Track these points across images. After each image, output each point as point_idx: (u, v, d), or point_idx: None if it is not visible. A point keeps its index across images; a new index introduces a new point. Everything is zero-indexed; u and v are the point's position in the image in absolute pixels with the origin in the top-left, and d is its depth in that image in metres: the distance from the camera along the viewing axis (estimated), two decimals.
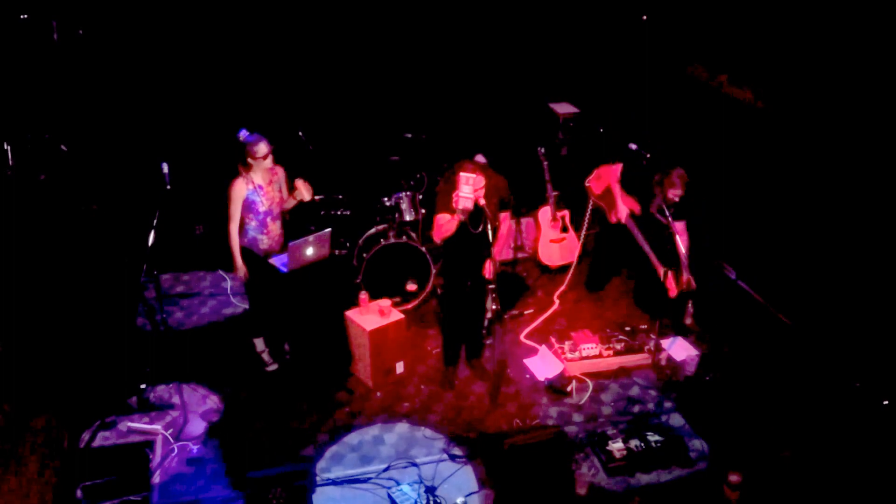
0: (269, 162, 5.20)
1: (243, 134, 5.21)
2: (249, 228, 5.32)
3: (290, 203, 5.49)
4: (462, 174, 4.79)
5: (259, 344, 5.79)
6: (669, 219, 5.52)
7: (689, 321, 6.17)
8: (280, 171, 5.40)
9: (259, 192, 5.24)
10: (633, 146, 6.54)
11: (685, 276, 5.76)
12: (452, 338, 5.67)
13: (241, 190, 5.19)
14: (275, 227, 5.40)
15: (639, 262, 6.26)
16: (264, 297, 5.61)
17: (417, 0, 7.77)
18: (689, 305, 6.13)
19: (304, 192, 5.38)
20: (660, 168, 5.75)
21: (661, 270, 5.82)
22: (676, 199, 5.64)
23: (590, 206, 6.54)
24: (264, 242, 5.39)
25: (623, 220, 6.04)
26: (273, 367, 5.77)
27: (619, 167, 6.14)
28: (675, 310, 6.11)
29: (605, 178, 6.27)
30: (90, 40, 7.21)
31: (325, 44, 7.71)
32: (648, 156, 6.40)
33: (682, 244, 5.57)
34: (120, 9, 7.15)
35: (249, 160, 5.16)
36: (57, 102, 7.07)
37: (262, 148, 5.14)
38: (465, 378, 5.75)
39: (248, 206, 5.25)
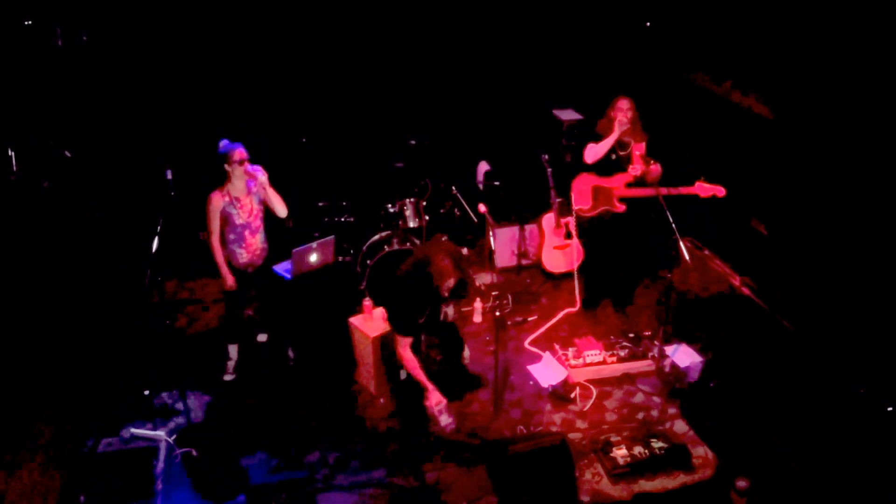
0: (244, 168, 5.19)
1: (222, 143, 5.26)
2: (228, 241, 5.34)
3: (275, 202, 5.34)
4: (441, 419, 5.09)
5: (232, 351, 5.78)
6: (673, 225, 5.52)
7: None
8: (260, 174, 5.25)
9: (235, 204, 5.26)
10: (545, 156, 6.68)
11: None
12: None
13: (217, 203, 5.23)
14: (254, 241, 5.39)
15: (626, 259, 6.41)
16: (240, 307, 5.66)
17: (422, 7, 7.80)
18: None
19: (276, 205, 5.35)
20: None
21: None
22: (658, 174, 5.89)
23: (598, 213, 6.42)
24: (243, 256, 5.38)
25: (623, 195, 6.07)
26: (230, 377, 5.74)
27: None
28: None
29: (579, 188, 6.27)
30: (94, 46, 7.23)
31: (329, 51, 7.73)
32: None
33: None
34: (124, 15, 7.18)
35: (227, 167, 5.19)
36: (61, 108, 7.09)
37: (239, 153, 5.17)
38: (468, 385, 5.73)
39: (226, 219, 5.27)
